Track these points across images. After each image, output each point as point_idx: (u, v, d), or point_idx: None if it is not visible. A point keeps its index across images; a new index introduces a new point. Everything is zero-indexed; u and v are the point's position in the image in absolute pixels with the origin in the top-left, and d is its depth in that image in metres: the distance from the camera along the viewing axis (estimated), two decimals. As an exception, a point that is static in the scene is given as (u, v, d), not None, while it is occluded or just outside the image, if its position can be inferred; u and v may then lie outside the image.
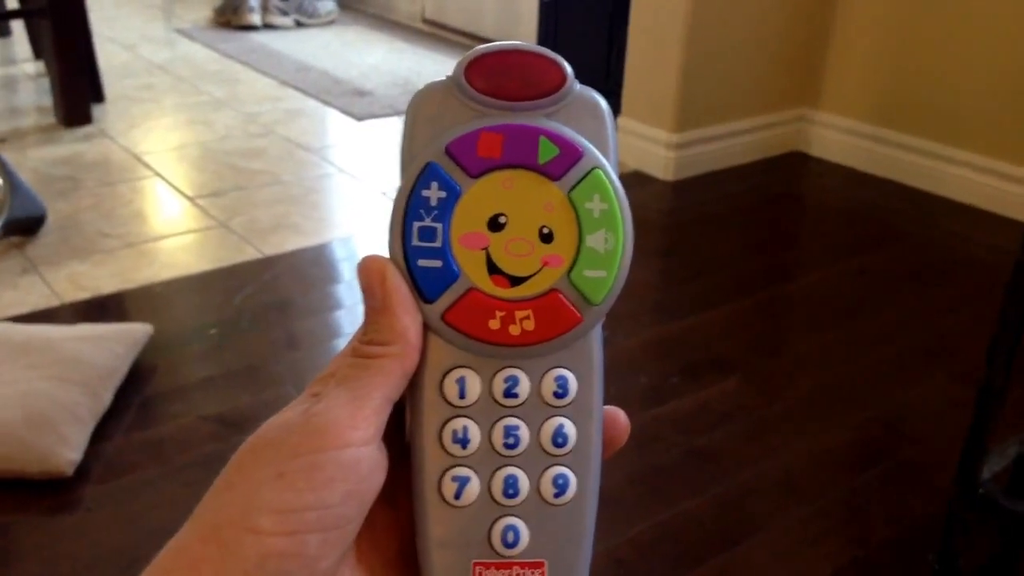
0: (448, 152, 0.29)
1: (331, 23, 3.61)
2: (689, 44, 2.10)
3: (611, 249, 0.29)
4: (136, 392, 1.32)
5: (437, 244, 0.29)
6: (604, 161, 0.29)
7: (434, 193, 0.29)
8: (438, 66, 3.04)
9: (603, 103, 0.30)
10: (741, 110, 2.29)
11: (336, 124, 2.54)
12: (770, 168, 2.33)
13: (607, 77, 2.31)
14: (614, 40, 2.30)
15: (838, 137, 2.35)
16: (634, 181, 2.18)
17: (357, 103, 2.66)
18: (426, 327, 0.29)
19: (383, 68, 3.05)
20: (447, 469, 0.29)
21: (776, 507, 1.19)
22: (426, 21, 3.59)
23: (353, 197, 2.12)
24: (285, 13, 3.52)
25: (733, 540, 1.13)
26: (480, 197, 0.29)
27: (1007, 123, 2.05)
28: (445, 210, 0.29)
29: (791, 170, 2.35)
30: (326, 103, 2.67)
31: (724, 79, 2.22)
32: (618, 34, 2.27)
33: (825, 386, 1.45)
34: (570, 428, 0.30)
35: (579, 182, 0.29)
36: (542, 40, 2.49)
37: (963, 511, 1.01)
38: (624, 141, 2.27)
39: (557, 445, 0.30)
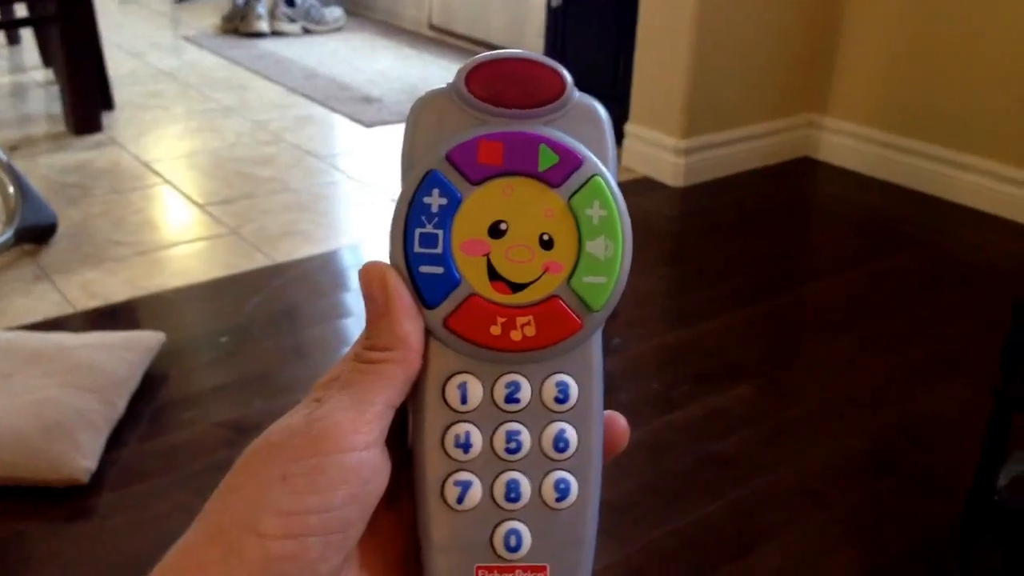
0: (449, 159, 0.29)
1: (338, 30, 3.62)
2: (697, 50, 2.10)
3: (611, 256, 0.29)
4: (149, 400, 1.33)
5: (438, 250, 0.29)
6: (603, 168, 0.30)
7: (435, 200, 0.29)
8: (445, 72, 3.05)
9: (602, 111, 0.30)
10: (749, 115, 2.30)
11: (344, 131, 2.55)
12: (779, 174, 2.34)
13: (615, 83, 2.31)
14: (621, 46, 2.31)
15: (847, 142, 2.36)
16: (643, 187, 2.18)
17: (365, 110, 2.67)
18: (428, 333, 0.29)
19: (390, 74, 3.05)
20: (449, 474, 0.30)
21: (791, 514, 1.19)
22: (433, 27, 3.60)
23: (361, 204, 2.13)
24: (293, 20, 3.53)
25: (749, 547, 1.13)
26: (481, 204, 0.29)
27: (1018, 128, 2.05)
28: (446, 217, 0.29)
29: (800, 176, 2.35)
30: (334, 110, 2.67)
31: (732, 85, 2.22)
32: (626, 40, 2.27)
33: (838, 393, 1.45)
34: (571, 433, 0.30)
35: (579, 189, 0.29)
36: (549, 46, 2.49)
37: (980, 518, 1.01)
38: (632, 147, 2.27)
39: (558, 450, 0.30)
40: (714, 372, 1.48)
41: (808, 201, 2.29)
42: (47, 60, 2.81)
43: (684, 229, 2.07)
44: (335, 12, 3.65)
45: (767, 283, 1.80)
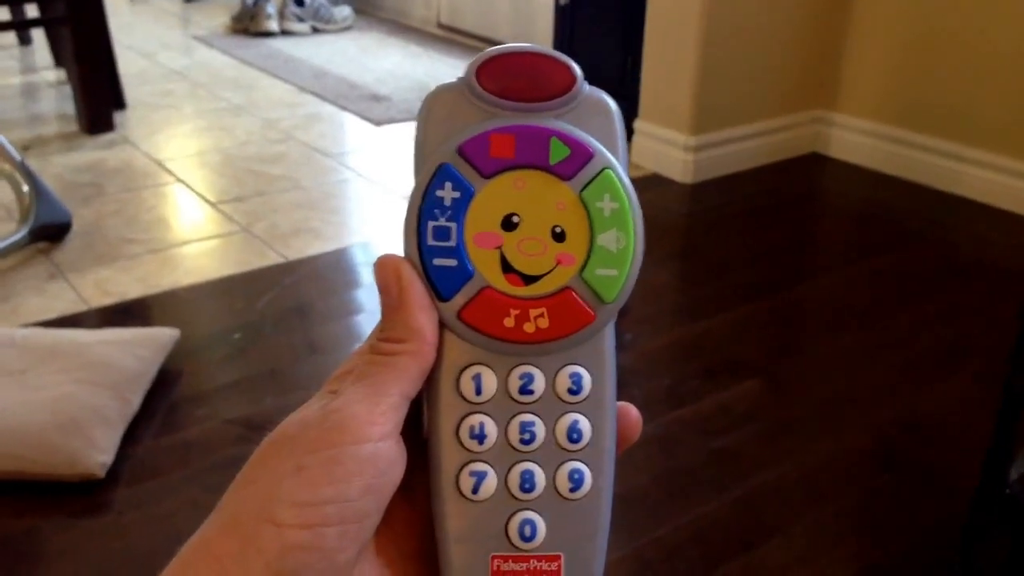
0: (461, 153, 0.29)
1: (347, 29, 3.63)
2: (705, 47, 2.11)
3: (622, 248, 0.30)
4: (163, 396, 1.34)
5: (452, 243, 0.29)
6: (614, 161, 0.30)
7: (448, 193, 0.29)
8: (453, 70, 3.05)
9: (612, 104, 0.31)
10: (758, 112, 2.30)
11: (354, 129, 2.56)
12: (788, 170, 2.33)
13: (623, 81, 2.31)
14: (630, 43, 2.31)
15: (855, 138, 2.35)
16: (652, 184, 2.19)
17: (374, 108, 2.68)
18: (442, 325, 0.30)
19: (399, 73, 3.06)
20: (464, 464, 0.30)
21: (796, 509, 1.19)
22: (441, 26, 3.61)
23: (372, 201, 2.14)
24: (302, 19, 3.54)
25: (754, 542, 1.13)
26: (493, 197, 0.29)
27: (1026, 123, 2.05)
28: (459, 210, 0.29)
29: (809, 172, 2.35)
30: (343, 108, 2.68)
31: (740, 81, 2.22)
32: (634, 37, 2.27)
33: (844, 388, 1.45)
34: (584, 424, 0.30)
35: (590, 182, 0.30)
36: (557, 44, 2.50)
37: (988, 512, 1.01)
38: (642, 144, 2.28)
39: (572, 441, 0.30)
40: (722, 368, 1.49)
41: (816, 197, 2.29)
42: (59, 60, 2.83)
43: (693, 225, 2.07)
44: (344, 11, 3.66)
45: (776, 279, 1.80)
